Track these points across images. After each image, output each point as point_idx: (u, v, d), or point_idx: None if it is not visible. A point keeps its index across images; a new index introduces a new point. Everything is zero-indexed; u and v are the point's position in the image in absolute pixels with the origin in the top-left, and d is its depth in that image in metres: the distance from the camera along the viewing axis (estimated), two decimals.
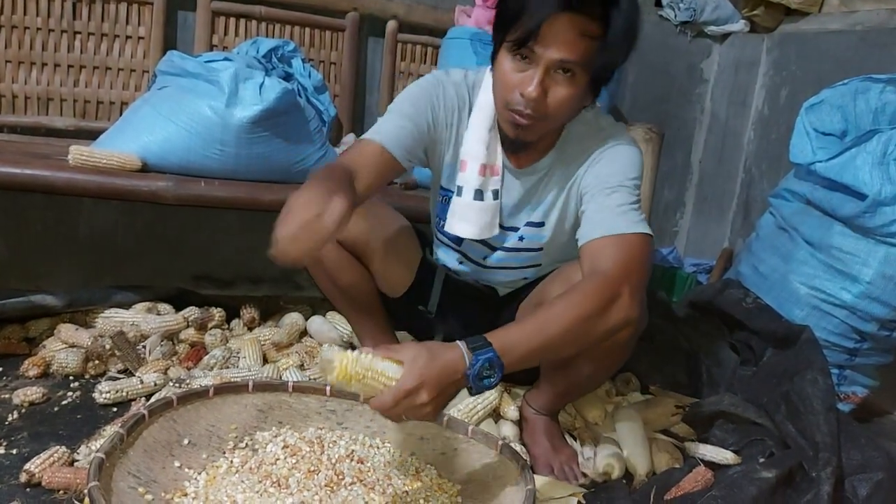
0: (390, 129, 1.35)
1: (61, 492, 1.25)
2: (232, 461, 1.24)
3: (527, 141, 1.32)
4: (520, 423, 1.60)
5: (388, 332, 1.69)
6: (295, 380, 1.39)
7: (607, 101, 2.30)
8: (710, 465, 1.53)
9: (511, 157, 1.40)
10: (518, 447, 1.50)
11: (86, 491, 1.11)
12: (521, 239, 1.47)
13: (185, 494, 1.14)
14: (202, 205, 1.79)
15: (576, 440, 1.61)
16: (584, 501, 1.35)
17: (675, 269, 2.67)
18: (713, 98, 2.89)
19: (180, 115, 1.81)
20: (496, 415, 1.63)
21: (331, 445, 1.30)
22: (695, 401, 1.79)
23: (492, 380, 1.04)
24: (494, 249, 1.50)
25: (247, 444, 1.28)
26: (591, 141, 1.36)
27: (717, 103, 2.89)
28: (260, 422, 1.32)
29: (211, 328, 1.90)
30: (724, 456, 1.56)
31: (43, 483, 1.26)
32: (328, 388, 1.36)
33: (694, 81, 2.88)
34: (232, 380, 1.56)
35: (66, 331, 1.76)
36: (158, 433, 1.19)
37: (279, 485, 1.17)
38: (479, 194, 1.39)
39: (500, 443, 1.26)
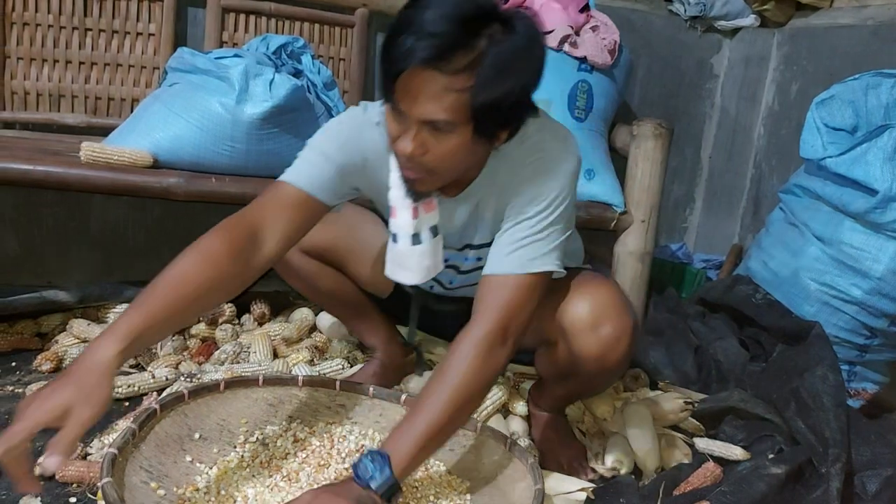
0: (310, 169, 1.22)
1: (75, 485, 1.27)
2: (243, 455, 1.25)
3: (423, 192, 1.20)
4: (528, 418, 1.60)
5: (385, 330, 1.68)
6: (305, 374, 1.40)
7: (616, 97, 2.29)
8: (719, 460, 1.53)
9: (441, 189, 1.25)
10: (527, 443, 1.50)
11: (99, 486, 1.12)
12: (479, 259, 1.36)
13: (197, 489, 1.15)
14: (213, 201, 1.80)
15: (584, 436, 1.61)
16: (592, 497, 1.36)
17: (684, 265, 2.66)
18: (723, 93, 2.88)
19: (191, 112, 1.82)
20: (505, 411, 1.64)
21: (340, 440, 1.31)
22: (704, 397, 1.79)
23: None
24: (459, 272, 1.42)
25: (257, 439, 1.29)
26: (517, 159, 1.21)
27: (727, 98, 2.88)
28: (270, 416, 1.33)
29: (221, 323, 1.91)
30: (733, 452, 1.56)
31: (57, 476, 1.27)
32: (337, 383, 1.37)
33: (704, 76, 2.86)
34: (242, 374, 1.57)
35: (79, 326, 1.77)
36: (170, 427, 1.20)
37: (289, 479, 1.18)
38: (415, 238, 1.26)
39: (509, 439, 1.26)
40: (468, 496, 1.24)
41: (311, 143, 1.25)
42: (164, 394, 1.48)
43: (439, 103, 1.04)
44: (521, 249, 1.19)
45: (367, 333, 1.68)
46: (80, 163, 1.77)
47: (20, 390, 1.57)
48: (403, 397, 1.38)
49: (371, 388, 1.39)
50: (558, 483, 1.38)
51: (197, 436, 1.24)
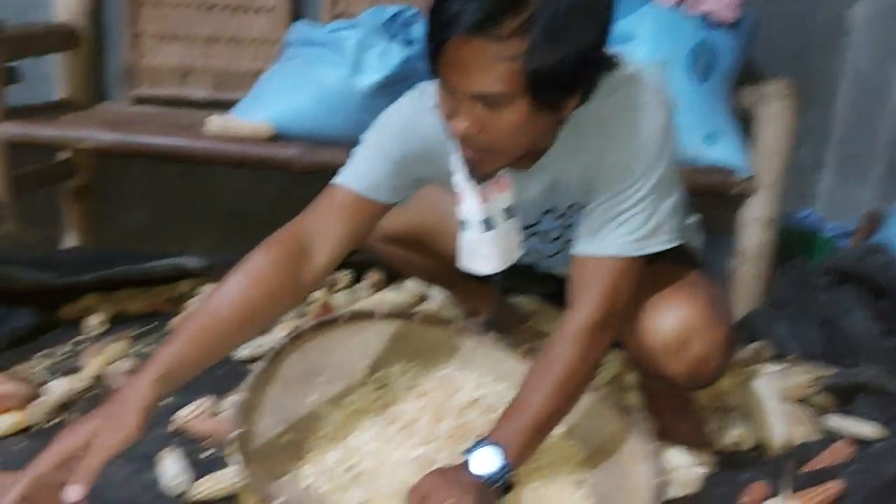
0: (364, 169, 1.16)
1: (207, 439, 1.35)
2: (363, 398, 1.28)
3: (488, 173, 1.13)
4: (643, 390, 1.57)
5: (492, 298, 1.66)
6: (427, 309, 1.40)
7: (740, 56, 2.17)
8: (851, 439, 1.45)
9: (512, 163, 1.14)
10: (642, 416, 1.47)
11: (230, 436, 1.19)
12: (566, 227, 1.26)
13: (321, 436, 1.20)
14: (330, 171, 1.84)
15: (704, 409, 1.56)
16: (711, 472, 1.32)
17: (813, 233, 2.52)
18: (856, 51, 2.68)
19: (308, 85, 1.87)
20: (618, 382, 1.61)
21: (457, 390, 1.31)
22: (834, 371, 1.70)
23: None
24: (546, 240, 1.32)
25: (377, 380, 1.32)
26: (602, 119, 1.10)
27: (861, 56, 2.67)
28: (391, 352, 1.34)
29: (338, 290, 1.97)
30: (866, 430, 1.48)
31: (190, 432, 1.36)
32: (456, 325, 1.37)
33: (835, 32, 2.67)
34: (362, 308, 1.57)
35: (208, 291, 1.87)
36: (296, 364, 1.24)
37: (407, 432, 1.21)
38: (487, 224, 1.17)
39: (629, 413, 1.24)
40: (584, 472, 1.22)
41: (364, 140, 1.18)
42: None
43: (490, 74, 0.96)
44: (620, 227, 1.11)
45: (474, 303, 1.68)
46: (204, 136, 1.86)
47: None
48: (525, 347, 1.37)
49: (490, 334, 1.39)
50: (675, 456, 1.35)
51: (320, 374, 1.27)
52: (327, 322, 1.31)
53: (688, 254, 1.32)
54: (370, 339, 1.34)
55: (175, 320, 1.78)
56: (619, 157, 1.10)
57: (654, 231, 1.12)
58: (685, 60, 2.01)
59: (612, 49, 1.06)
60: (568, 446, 1.26)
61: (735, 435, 1.43)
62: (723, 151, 1.99)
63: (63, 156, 2.17)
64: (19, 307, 1.66)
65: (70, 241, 2.24)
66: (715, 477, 1.33)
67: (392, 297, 1.94)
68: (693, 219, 1.39)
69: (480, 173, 1.13)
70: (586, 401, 1.25)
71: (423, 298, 1.96)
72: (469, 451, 1.07)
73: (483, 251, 1.19)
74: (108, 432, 0.92)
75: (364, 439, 1.21)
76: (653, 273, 1.19)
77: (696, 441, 1.43)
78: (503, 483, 1.06)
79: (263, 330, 1.84)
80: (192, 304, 1.87)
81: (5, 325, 1.61)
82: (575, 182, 1.16)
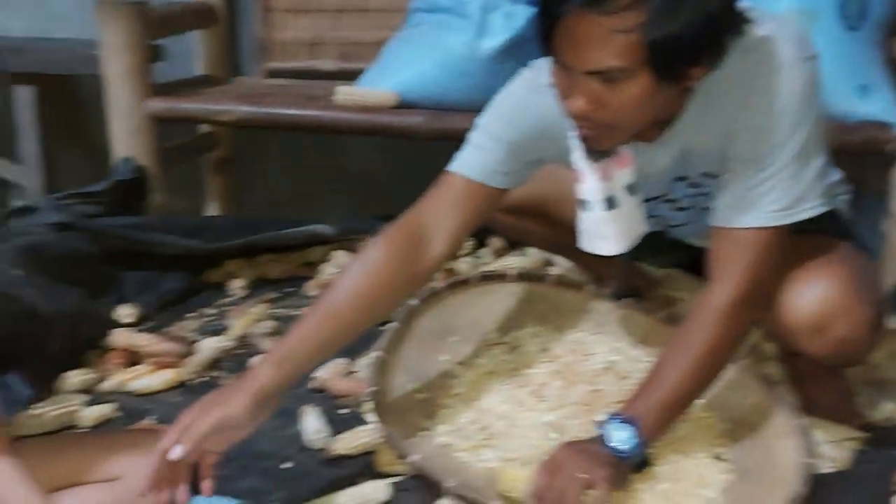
0: (478, 155, 1.14)
1: (345, 398, 1.40)
2: (494, 360, 1.29)
3: (608, 149, 1.08)
4: (784, 361, 1.49)
5: (618, 265, 1.62)
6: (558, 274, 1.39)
7: (893, 1, 1.99)
8: None
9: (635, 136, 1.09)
10: (786, 387, 1.40)
11: (367, 393, 1.23)
12: (699, 195, 1.19)
13: (452, 396, 1.22)
14: (455, 138, 1.85)
15: (853, 382, 1.47)
16: (861, 448, 1.24)
17: None
18: None
19: (432, 51, 1.88)
20: (757, 352, 1.53)
21: (589, 355, 1.30)
22: None
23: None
24: (676, 208, 1.25)
25: (508, 342, 1.32)
26: (740, 78, 1.03)
27: None
28: (522, 314, 1.34)
29: (462, 256, 1.99)
30: None
31: (329, 390, 1.42)
32: (590, 288, 1.35)
33: None
34: (495, 269, 1.58)
35: (340, 257, 1.94)
36: (430, 323, 1.27)
37: (537, 396, 1.21)
38: (609, 202, 1.13)
39: (768, 382, 1.18)
40: (724, 446, 1.18)
41: (478, 124, 1.17)
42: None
43: (606, 49, 0.92)
44: (763, 196, 1.04)
45: (600, 271, 1.64)
46: (334, 106, 1.91)
47: (295, 313, 1.75)
48: (663, 313, 1.34)
49: (623, 299, 1.37)
50: (822, 430, 1.28)
51: (452, 333, 1.29)
52: (459, 283, 1.32)
53: (833, 220, 1.23)
54: (501, 301, 1.35)
55: (309, 285, 1.86)
56: (757, 120, 1.03)
57: (800, 198, 1.05)
58: (834, 8, 1.87)
59: (745, 6, 0.99)
60: (707, 418, 1.21)
61: (889, 409, 1.34)
62: (876, 105, 1.84)
63: (204, 129, 2.30)
64: (170, 272, 1.78)
65: (212, 210, 2.38)
66: (866, 454, 1.25)
67: (516, 262, 1.93)
68: (837, 178, 1.29)
69: (599, 151, 1.09)
70: (727, 371, 1.21)
71: (547, 264, 1.95)
72: (602, 424, 1.06)
73: (605, 231, 1.15)
74: (217, 406, 0.98)
75: (495, 401, 1.22)
76: (794, 243, 1.11)
77: (843, 414, 1.34)
78: (637, 459, 1.05)
79: (388, 314, 1.96)
80: (325, 270, 1.94)
81: (158, 289, 1.73)
82: (709, 150, 1.10)
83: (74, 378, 1.39)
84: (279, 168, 2.48)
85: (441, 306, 1.30)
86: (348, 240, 2.04)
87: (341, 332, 1.10)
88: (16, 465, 0.94)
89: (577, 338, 1.33)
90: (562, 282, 1.36)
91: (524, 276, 1.35)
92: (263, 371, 1.02)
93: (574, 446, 1.06)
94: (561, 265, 1.90)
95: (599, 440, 1.05)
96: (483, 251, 2.03)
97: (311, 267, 1.99)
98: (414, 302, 1.27)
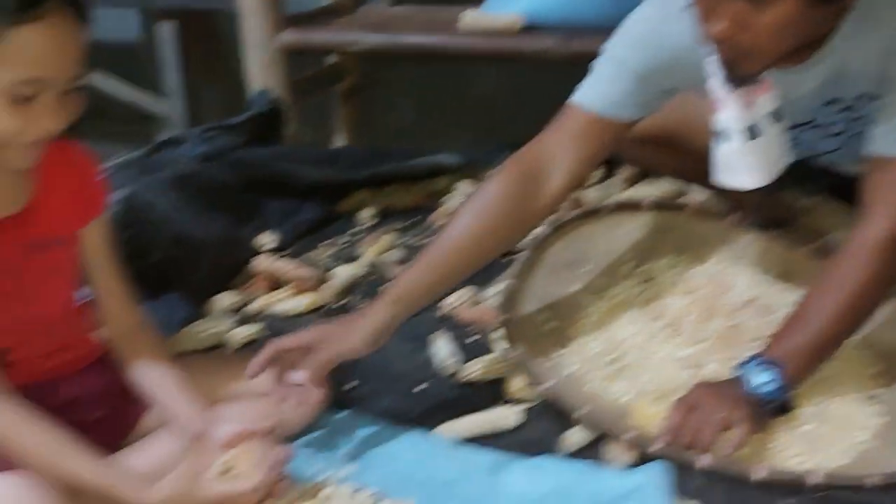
0: (604, 86, 1.09)
1: (473, 326, 1.43)
2: (628, 291, 1.27)
3: (751, 75, 0.99)
4: None
5: (757, 194, 1.53)
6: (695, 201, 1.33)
7: None
8: None
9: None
10: None
11: (498, 320, 1.25)
12: (852, 120, 1.10)
13: (584, 325, 1.22)
14: (588, 61, 1.79)
15: None
16: None
17: None
18: None
19: None
20: None
21: (729, 288, 1.25)
22: None
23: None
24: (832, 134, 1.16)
25: (643, 272, 1.30)
26: (892, 6, 0.96)
27: None
28: (657, 244, 1.31)
29: (591, 185, 1.94)
30: None
31: (457, 317, 1.44)
32: (730, 218, 1.29)
33: None
34: (630, 198, 1.53)
35: (466, 187, 1.94)
36: (561, 252, 1.27)
37: (672, 329, 1.18)
38: (751, 132, 1.04)
39: None
40: (878, 387, 1.12)
41: (605, 52, 1.11)
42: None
43: None
44: None
45: (739, 200, 1.56)
46: (460, 31, 1.89)
47: (420, 242, 1.78)
48: (809, 246, 1.28)
49: (765, 230, 1.31)
50: None
51: (585, 263, 1.28)
52: (592, 212, 1.30)
53: None
54: (636, 231, 1.32)
55: (434, 215, 1.88)
56: None
57: None
58: None
59: None
60: (860, 357, 1.15)
61: None
62: None
63: (332, 59, 2.33)
64: (306, 202, 1.85)
65: (339, 140, 2.44)
66: None
67: (647, 192, 1.87)
68: None
69: (741, 76, 1.01)
70: (885, 308, 1.13)
71: (682, 193, 1.87)
72: (742, 365, 1.02)
73: (745, 163, 1.07)
74: (336, 338, 1.02)
75: (628, 333, 1.21)
76: None
77: None
78: (778, 404, 1.01)
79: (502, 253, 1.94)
80: (450, 200, 1.95)
81: (295, 217, 1.80)
82: (866, 70, 1.01)
83: (223, 300, 1.48)
84: (405, 97, 2.50)
85: (573, 235, 1.28)
86: (473, 169, 2.03)
87: (456, 272, 1.10)
88: (178, 377, 1.03)
89: (716, 270, 1.28)
90: (700, 211, 1.30)
91: (660, 205, 1.31)
92: (379, 309, 1.05)
93: (711, 386, 1.03)
94: (698, 194, 1.83)
95: (738, 381, 1.02)
96: (613, 179, 1.97)
97: (437, 197, 2.01)
98: (545, 231, 1.26)
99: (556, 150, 1.09)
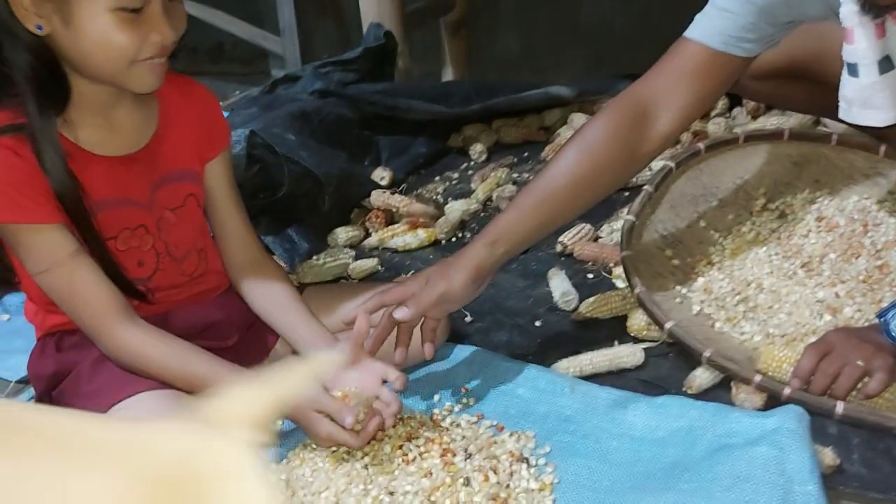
0: (721, 20, 0.99)
1: (591, 263, 1.40)
2: (759, 227, 1.21)
3: (887, 3, 0.86)
4: None
5: None
6: (839, 133, 1.22)
7: None
8: None
9: None
10: None
11: (618, 258, 1.22)
12: None
13: (710, 263, 1.17)
14: None
15: None
16: None
17: None
18: None
19: None
20: None
21: (875, 226, 1.17)
22: None
23: None
24: None
25: (777, 207, 1.23)
26: None
27: None
28: (793, 178, 1.24)
29: (713, 117, 1.85)
30: None
31: (574, 254, 1.42)
32: (882, 149, 1.19)
33: None
34: (764, 127, 1.46)
35: (578, 120, 1.88)
36: (685, 186, 1.21)
37: (809, 269, 1.12)
38: (884, 64, 0.95)
39: None
40: None
41: None
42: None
43: None
44: None
45: (886, 130, 1.44)
46: None
47: (532, 177, 1.75)
48: None
49: None
50: None
51: (712, 198, 1.22)
52: (721, 143, 1.23)
53: None
54: (769, 163, 1.24)
55: (546, 149, 1.84)
56: None
57: None
58: None
59: None
60: None
61: None
62: None
63: None
64: (419, 137, 1.85)
65: (448, 73, 2.41)
66: None
67: (775, 123, 1.76)
68: None
69: (875, 5, 0.91)
70: None
71: (817, 123, 1.76)
72: (884, 312, 0.96)
73: (878, 99, 0.98)
74: (441, 280, 1.00)
75: (759, 272, 1.15)
76: None
77: None
78: None
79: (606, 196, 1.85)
80: (563, 133, 1.90)
81: (409, 153, 1.81)
82: None
83: (342, 234, 1.51)
84: (513, 28, 2.43)
85: (700, 169, 1.22)
86: (586, 101, 1.97)
87: (557, 215, 1.06)
88: (302, 302, 1.07)
89: (861, 206, 1.20)
90: (843, 142, 1.20)
91: (798, 135, 1.22)
92: (480, 251, 1.02)
93: (849, 331, 0.98)
94: (830, 126, 1.71)
95: (883, 328, 0.96)
96: (737, 110, 1.87)
97: (548, 131, 1.96)
98: (669, 164, 1.21)
99: (668, 87, 1.03)
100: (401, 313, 1.00)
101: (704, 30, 1.02)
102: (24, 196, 0.90)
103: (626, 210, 1.50)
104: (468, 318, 1.29)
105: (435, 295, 1.00)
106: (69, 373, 1.01)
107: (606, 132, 1.03)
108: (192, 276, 1.07)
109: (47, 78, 0.89)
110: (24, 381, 1.22)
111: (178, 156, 1.03)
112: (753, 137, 1.22)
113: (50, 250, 0.92)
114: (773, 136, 1.23)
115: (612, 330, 1.21)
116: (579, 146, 1.04)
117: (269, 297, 1.08)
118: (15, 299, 1.43)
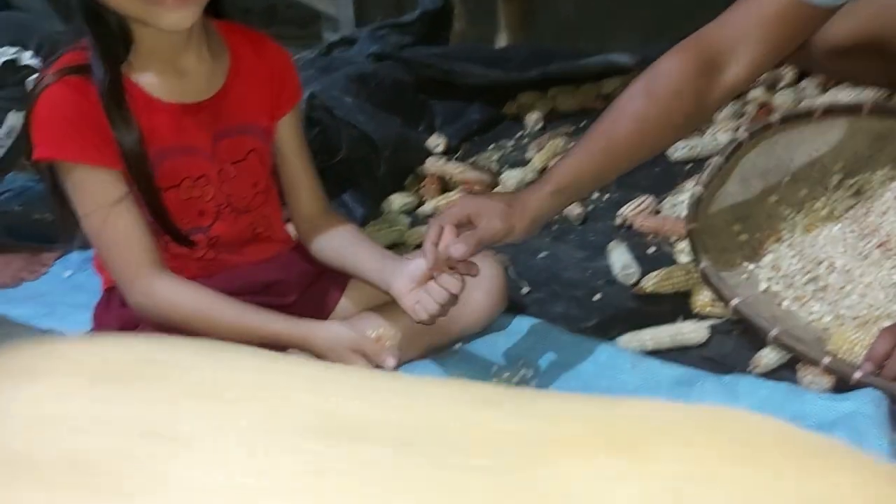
0: None
1: (651, 235, 1.37)
2: (834, 205, 1.17)
3: None
4: None
5: None
6: None
7: None
8: None
9: None
10: None
11: (682, 232, 1.19)
12: None
13: (780, 239, 1.14)
14: None
15: None
16: None
17: None
18: None
19: None
20: None
21: None
22: None
23: None
24: None
25: (854, 184, 1.19)
26: None
27: None
28: (873, 153, 1.18)
29: (780, 88, 1.78)
30: None
31: (634, 226, 1.39)
32: None
33: None
34: (842, 101, 1.40)
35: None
36: (757, 159, 1.17)
37: (886, 250, 1.08)
38: None
39: None
40: None
41: None
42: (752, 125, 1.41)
43: None
44: None
45: None
46: None
47: None
48: None
49: None
50: None
51: (784, 173, 1.18)
52: (796, 116, 1.18)
53: None
54: (846, 138, 1.18)
55: None
56: None
57: None
58: None
59: None
60: None
61: None
62: None
63: None
64: (473, 103, 1.81)
65: (503, 38, 2.36)
66: None
67: (848, 96, 1.69)
68: None
69: None
70: None
71: (891, 97, 1.68)
72: None
73: None
74: (497, 219, 0.95)
75: (831, 251, 1.11)
76: None
77: None
78: None
79: (668, 146, 1.74)
80: None
81: (463, 119, 1.78)
82: None
83: (397, 201, 1.50)
84: None
85: (772, 142, 1.18)
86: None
87: (618, 163, 1.01)
88: (367, 238, 1.08)
89: None
90: None
91: (880, 109, 1.16)
92: (545, 200, 0.98)
93: None
94: None
95: None
96: (806, 81, 1.80)
97: (606, 99, 1.91)
98: (742, 135, 1.16)
99: (741, 34, 0.96)
100: (456, 251, 0.95)
101: None
102: (81, 136, 0.91)
103: (689, 183, 1.46)
104: (525, 290, 1.27)
105: (488, 237, 0.96)
106: (133, 328, 1.02)
107: (674, 78, 0.97)
108: (255, 230, 1.07)
109: (104, 22, 0.89)
110: None
111: (245, 109, 1.02)
112: (831, 111, 1.17)
113: (96, 194, 0.93)
114: (852, 110, 1.18)
115: (674, 305, 1.18)
116: (644, 90, 0.99)
117: (337, 238, 1.08)
118: (76, 257, 1.45)
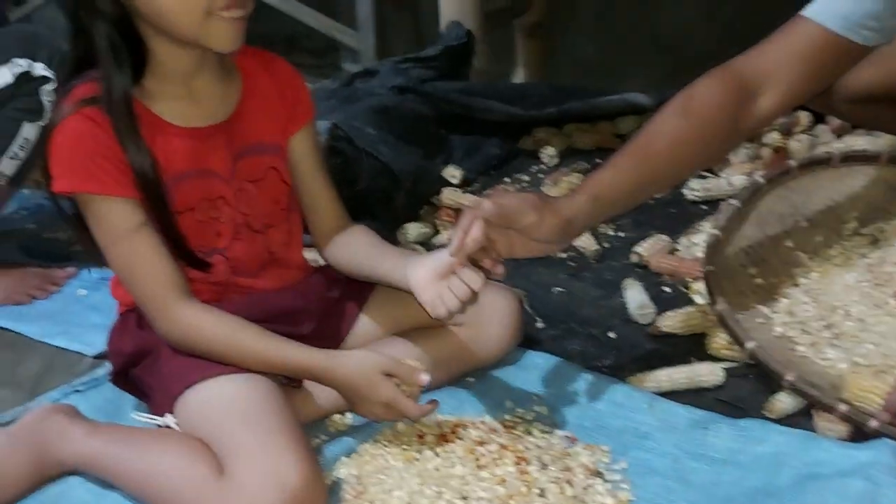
0: (843, 3, 0.94)
1: (667, 276, 1.37)
2: (850, 252, 1.17)
3: None
4: None
5: None
6: None
7: None
8: None
9: None
10: None
11: (698, 273, 1.19)
12: None
13: (795, 285, 1.14)
14: None
15: None
16: None
17: None
18: None
19: None
20: None
21: None
22: None
23: None
24: None
25: (869, 233, 1.20)
26: None
27: None
28: (889, 203, 1.19)
29: (796, 133, 1.80)
30: None
31: (650, 266, 1.39)
32: None
33: None
34: (861, 148, 1.38)
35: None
36: (774, 204, 1.17)
37: None
38: None
39: None
40: None
41: None
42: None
43: None
44: None
45: None
46: None
47: None
48: None
49: None
50: None
51: (801, 218, 1.19)
52: (815, 162, 1.19)
53: None
54: (865, 186, 1.19)
55: None
56: None
57: None
58: None
59: None
60: None
61: None
62: None
63: None
64: (491, 137, 1.83)
65: (520, 75, 2.39)
66: None
67: (863, 144, 1.70)
68: None
69: None
70: None
71: None
72: None
73: None
74: (529, 209, 0.93)
75: (846, 298, 1.12)
76: None
77: None
78: None
79: (699, 170, 1.69)
80: None
81: (479, 153, 1.80)
82: None
83: (413, 230, 1.51)
84: (589, 32, 2.40)
85: (790, 187, 1.19)
86: None
87: (653, 179, 1.00)
88: (386, 243, 1.08)
89: None
90: None
91: None
92: (580, 202, 0.96)
93: None
94: None
95: None
96: (821, 128, 1.82)
97: (622, 139, 1.93)
98: (759, 179, 1.17)
99: (776, 65, 0.97)
100: (474, 232, 0.92)
101: (825, 10, 0.96)
102: (99, 167, 0.92)
103: (705, 224, 1.47)
104: (540, 324, 1.27)
105: (521, 221, 0.93)
106: (149, 352, 1.02)
107: (713, 99, 0.98)
108: (270, 253, 1.07)
109: (124, 46, 0.90)
110: (101, 357, 1.24)
111: (260, 128, 1.03)
112: (849, 158, 1.18)
113: (116, 223, 0.94)
114: (870, 158, 1.19)
115: (689, 346, 1.18)
116: (681, 109, 0.99)
117: (355, 243, 1.08)
118: (93, 276, 1.46)
